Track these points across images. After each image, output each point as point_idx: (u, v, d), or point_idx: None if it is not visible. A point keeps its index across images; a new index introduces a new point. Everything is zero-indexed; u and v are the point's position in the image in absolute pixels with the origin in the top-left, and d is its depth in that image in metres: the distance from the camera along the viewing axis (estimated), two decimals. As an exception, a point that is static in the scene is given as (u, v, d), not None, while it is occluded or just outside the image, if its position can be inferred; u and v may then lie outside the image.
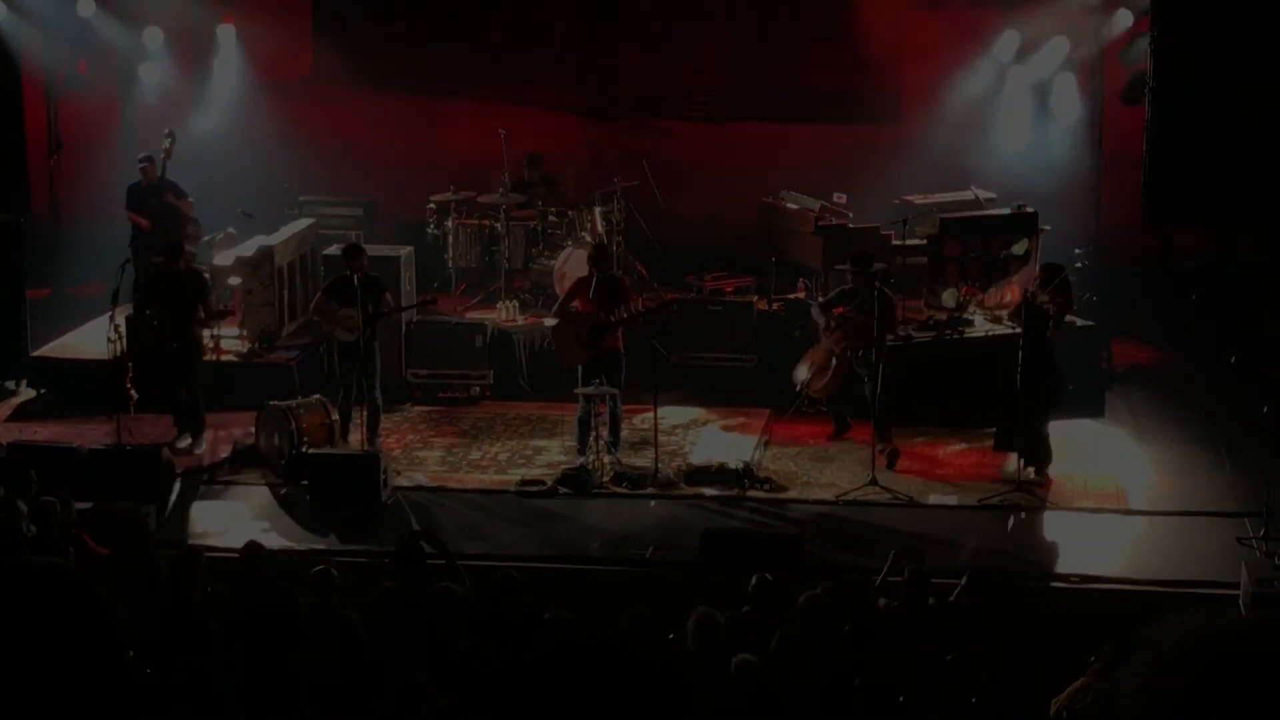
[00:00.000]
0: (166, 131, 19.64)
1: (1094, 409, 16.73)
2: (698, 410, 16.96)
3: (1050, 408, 15.03)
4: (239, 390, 16.61)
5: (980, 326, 16.99)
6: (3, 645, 2.63)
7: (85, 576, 2.73)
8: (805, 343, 17.37)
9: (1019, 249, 17.06)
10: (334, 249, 18.38)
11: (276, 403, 15.44)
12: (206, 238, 19.11)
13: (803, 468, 15.52)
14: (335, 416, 15.50)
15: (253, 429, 15.63)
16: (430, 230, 19.01)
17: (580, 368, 15.52)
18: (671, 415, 16.36)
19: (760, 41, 21.39)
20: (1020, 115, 19.89)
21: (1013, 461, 14.98)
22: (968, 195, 18.34)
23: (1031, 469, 14.88)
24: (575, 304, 15.59)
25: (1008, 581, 12.13)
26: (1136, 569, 13.30)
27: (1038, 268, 15.69)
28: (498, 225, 18.50)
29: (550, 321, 16.55)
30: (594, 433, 15.26)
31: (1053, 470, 15.02)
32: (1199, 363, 18.04)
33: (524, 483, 15.15)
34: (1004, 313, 16.30)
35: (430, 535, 12.05)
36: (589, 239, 18.13)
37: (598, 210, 18.64)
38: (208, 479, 15.38)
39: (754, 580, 11.26)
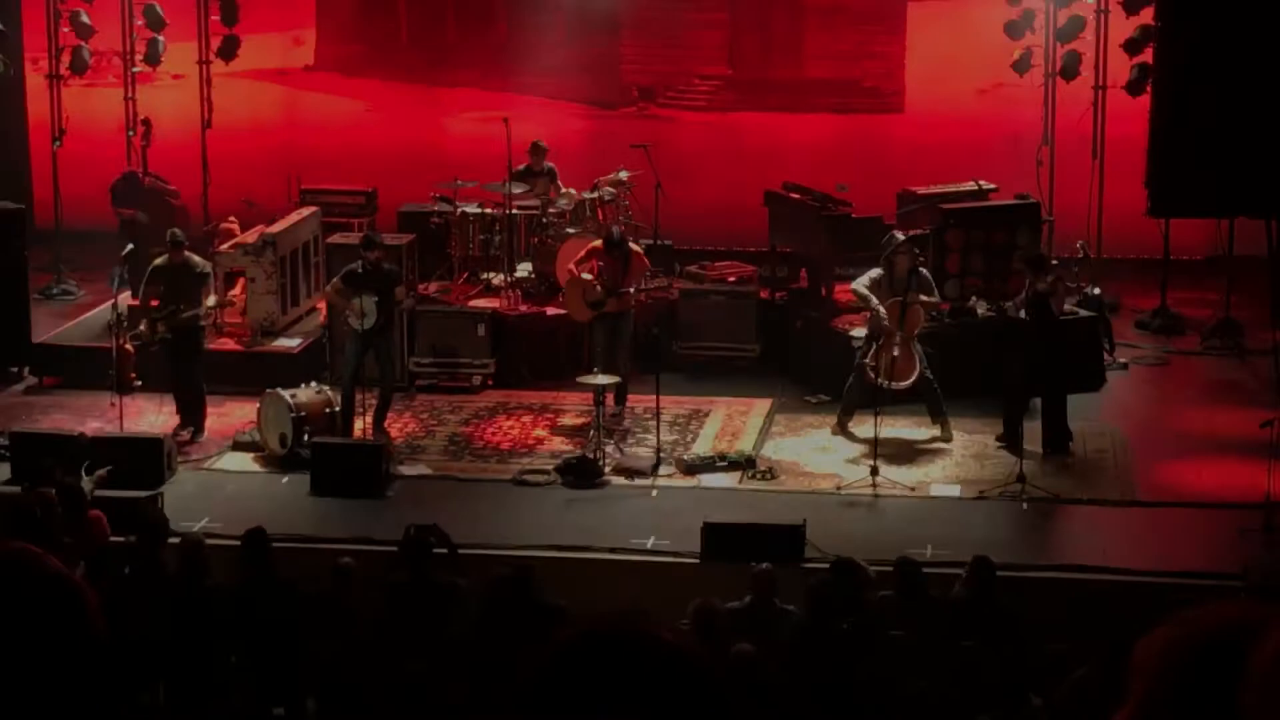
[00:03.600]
0: (142, 119, 19.63)
1: (1096, 399, 16.71)
2: (699, 400, 16.94)
3: (1065, 393, 15.16)
4: (241, 379, 16.62)
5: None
6: None
7: (51, 560, 2.72)
8: (808, 333, 17.37)
9: None
10: (337, 237, 18.43)
11: (279, 391, 15.44)
12: (208, 226, 19.13)
13: (804, 458, 15.51)
14: (338, 405, 15.52)
15: (254, 417, 15.62)
16: (433, 218, 18.99)
17: (589, 325, 16.49)
18: (673, 406, 16.35)
19: (764, 31, 21.39)
20: (1023, 104, 19.85)
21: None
22: (970, 186, 18.30)
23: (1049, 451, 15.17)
24: (588, 266, 16.32)
25: (1009, 573, 12.12)
26: (1139, 560, 13.29)
27: (1023, 261, 15.70)
28: (500, 213, 18.46)
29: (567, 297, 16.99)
30: (597, 427, 15.30)
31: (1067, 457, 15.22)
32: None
33: (525, 472, 15.15)
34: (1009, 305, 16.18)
35: (437, 529, 12.04)
36: (595, 228, 18.15)
37: (601, 199, 18.63)
38: (209, 467, 15.38)
39: (754, 570, 11.27)
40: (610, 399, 15.97)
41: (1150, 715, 2.42)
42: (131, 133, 20.23)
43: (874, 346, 15.54)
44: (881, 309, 15.51)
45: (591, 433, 15.45)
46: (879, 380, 15.39)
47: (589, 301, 16.29)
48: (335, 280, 16.12)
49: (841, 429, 15.94)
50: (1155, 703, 2.42)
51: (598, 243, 16.51)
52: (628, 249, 16.33)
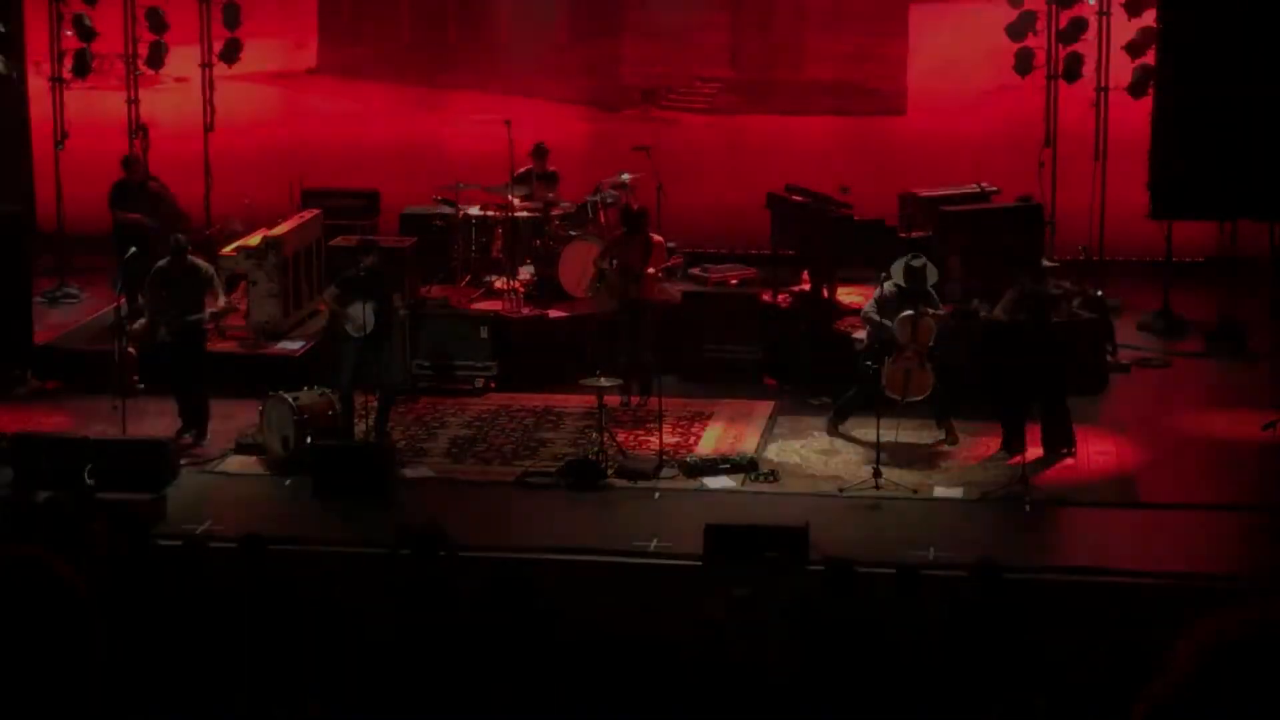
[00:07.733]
0: (136, 126, 19.65)
1: (1098, 400, 16.72)
2: (702, 402, 16.94)
3: (1064, 395, 15.16)
4: (243, 381, 16.61)
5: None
6: None
7: (55, 562, 2.73)
8: (810, 335, 17.37)
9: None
10: (339, 240, 18.43)
11: (281, 393, 15.43)
12: (210, 229, 19.14)
13: (807, 460, 15.51)
14: (340, 408, 15.51)
15: (257, 420, 15.62)
16: (435, 221, 18.99)
17: (614, 318, 16.95)
18: (676, 407, 16.35)
19: (765, 33, 21.40)
20: (1025, 106, 19.83)
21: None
22: (972, 188, 18.30)
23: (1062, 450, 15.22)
24: (611, 255, 16.91)
25: (1012, 575, 12.12)
26: (1141, 562, 13.28)
27: (1020, 265, 15.66)
28: (503, 216, 18.46)
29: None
30: (600, 428, 15.29)
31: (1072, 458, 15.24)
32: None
33: (528, 474, 15.15)
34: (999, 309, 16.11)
35: (437, 529, 12.03)
36: (598, 230, 18.19)
37: (603, 201, 18.63)
38: (211, 470, 15.38)
39: (760, 561, 11.26)
40: (635, 395, 16.57)
41: (1183, 701, 2.41)
42: (135, 135, 20.24)
43: (885, 360, 15.45)
44: (890, 323, 15.50)
45: (594, 434, 15.44)
46: (894, 396, 15.35)
47: (607, 288, 16.81)
48: (332, 287, 16.10)
49: (834, 430, 15.94)
50: (1190, 691, 2.41)
51: (616, 234, 17.21)
52: (646, 233, 16.77)
